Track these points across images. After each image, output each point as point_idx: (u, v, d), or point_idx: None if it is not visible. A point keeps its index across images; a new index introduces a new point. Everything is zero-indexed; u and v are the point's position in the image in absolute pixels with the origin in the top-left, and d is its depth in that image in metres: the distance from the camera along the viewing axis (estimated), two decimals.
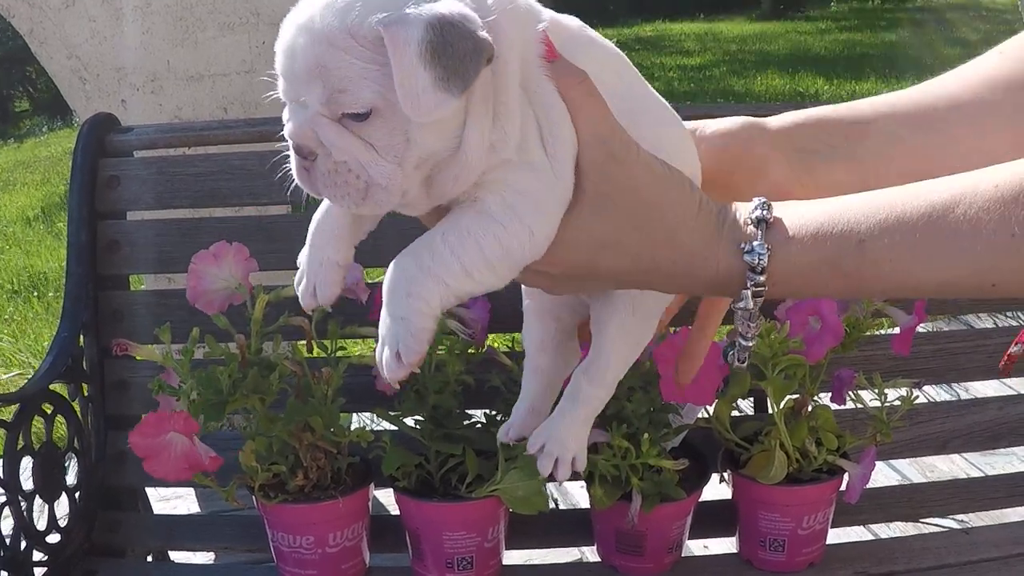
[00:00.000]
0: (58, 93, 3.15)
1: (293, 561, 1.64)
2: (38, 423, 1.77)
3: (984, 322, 3.66)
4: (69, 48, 3.01)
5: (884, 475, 2.89)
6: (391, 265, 0.96)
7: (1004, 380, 2.76)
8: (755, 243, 0.93)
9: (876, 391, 1.69)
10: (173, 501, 2.78)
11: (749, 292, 0.94)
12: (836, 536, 1.79)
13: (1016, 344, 1.52)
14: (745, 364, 1.05)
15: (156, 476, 1.52)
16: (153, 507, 2.08)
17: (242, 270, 1.61)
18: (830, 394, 1.76)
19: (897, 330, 1.75)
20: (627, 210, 0.94)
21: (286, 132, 0.93)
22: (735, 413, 1.72)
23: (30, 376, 1.81)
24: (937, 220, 0.88)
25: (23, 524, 1.67)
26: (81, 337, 1.88)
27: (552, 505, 2.48)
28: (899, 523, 2.18)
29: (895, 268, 0.91)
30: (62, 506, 1.80)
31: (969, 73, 1.15)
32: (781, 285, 0.94)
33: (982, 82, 1.13)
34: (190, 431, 1.48)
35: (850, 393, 1.73)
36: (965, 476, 2.79)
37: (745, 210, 0.96)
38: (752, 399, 1.94)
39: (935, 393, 3.10)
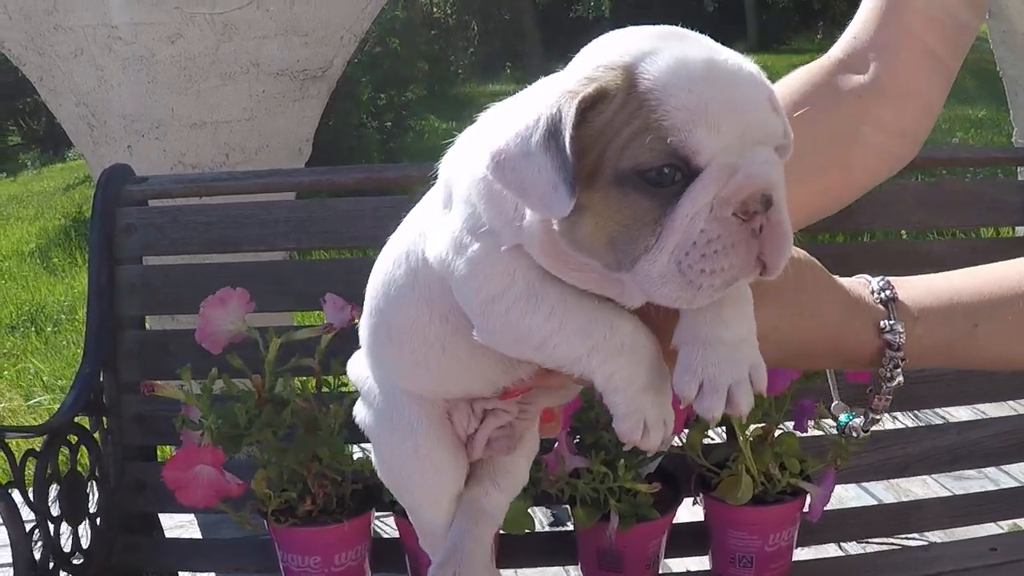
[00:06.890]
0: (51, 127, 3.28)
1: None
2: (63, 453, 1.91)
3: None
4: (78, 96, 3.15)
5: (858, 498, 3.03)
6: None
7: (961, 407, 2.90)
8: (893, 323, 0.96)
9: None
10: (176, 531, 2.90)
11: (900, 370, 0.98)
12: (808, 554, 1.94)
13: None
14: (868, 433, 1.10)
15: (187, 504, 1.66)
16: (165, 534, 2.21)
17: (243, 312, 1.75)
18: (794, 422, 1.90)
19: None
20: (782, 298, 0.92)
21: (740, 182, 0.79)
22: (707, 440, 1.86)
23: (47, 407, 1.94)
24: None
25: (52, 546, 1.81)
26: (101, 373, 2.02)
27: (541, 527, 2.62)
28: (873, 542, 2.34)
29: (999, 351, 0.99)
30: (84, 529, 1.93)
31: None
32: (909, 363, 0.98)
33: None
34: (217, 462, 1.63)
35: (812, 421, 1.88)
36: (935, 497, 2.93)
37: (868, 287, 0.99)
38: (723, 427, 2.07)
39: (903, 419, 3.23)
